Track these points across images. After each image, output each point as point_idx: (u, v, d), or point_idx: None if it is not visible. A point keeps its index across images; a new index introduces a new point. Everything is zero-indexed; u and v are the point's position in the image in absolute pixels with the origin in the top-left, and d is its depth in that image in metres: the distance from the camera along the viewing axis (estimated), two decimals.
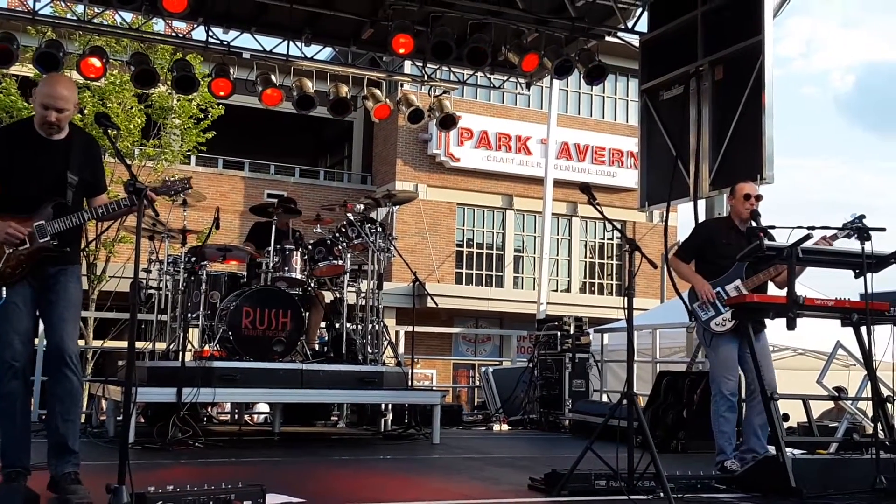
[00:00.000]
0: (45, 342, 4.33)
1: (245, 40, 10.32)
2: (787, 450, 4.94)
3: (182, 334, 7.41)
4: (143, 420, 8.16)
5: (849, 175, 74.98)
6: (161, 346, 7.99)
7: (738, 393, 5.89)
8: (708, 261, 5.91)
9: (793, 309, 4.93)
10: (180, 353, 7.11)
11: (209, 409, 9.26)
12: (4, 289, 4.11)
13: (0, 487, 3.85)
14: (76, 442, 4.20)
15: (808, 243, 5.05)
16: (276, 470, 5.76)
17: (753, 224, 5.77)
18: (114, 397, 7.27)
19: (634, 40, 10.10)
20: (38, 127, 4.24)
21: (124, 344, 15.80)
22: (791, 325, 4.95)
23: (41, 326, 4.33)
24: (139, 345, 7.51)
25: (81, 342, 15.32)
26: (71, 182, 4.23)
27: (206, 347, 7.45)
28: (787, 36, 77.02)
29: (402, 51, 9.73)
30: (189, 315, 7.63)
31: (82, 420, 10.04)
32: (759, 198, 5.91)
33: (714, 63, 8.83)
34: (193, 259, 7.68)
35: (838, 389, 5.92)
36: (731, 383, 5.71)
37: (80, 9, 9.94)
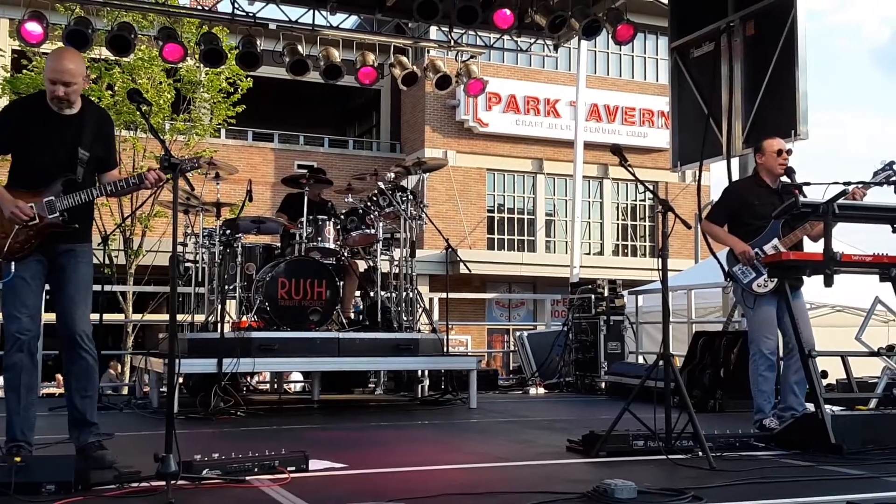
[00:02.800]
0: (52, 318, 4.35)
1: (270, 11, 10.32)
2: (826, 406, 4.92)
3: (220, 306, 7.51)
4: (185, 391, 8.30)
5: (886, 127, 73.45)
6: (200, 318, 8.10)
7: (777, 352, 5.86)
8: (742, 223, 5.82)
9: (830, 265, 4.88)
10: (219, 325, 7.20)
11: (249, 379, 9.40)
12: (13, 264, 4.14)
13: (53, 458, 3.94)
14: (94, 415, 4.30)
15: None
16: (317, 437, 5.84)
17: (787, 180, 5.70)
18: (156, 369, 7.41)
19: None
20: (49, 102, 4.24)
21: (163, 317, 16.06)
22: (828, 282, 4.91)
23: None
24: (178, 317, 7.62)
25: (120, 316, 15.59)
26: (82, 158, 4.24)
27: (244, 318, 7.56)
28: None
29: (427, 16, 9.68)
30: (226, 287, 7.72)
31: (125, 392, 10.28)
32: (789, 152, 5.83)
33: (745, 18, 8.68)
34: (228, 231, 7.77)
35: (890, 348, 5.85)
36: (771, 342, 5.68)
37: None
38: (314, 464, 4.28)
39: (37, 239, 4.16)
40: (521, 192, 24.69)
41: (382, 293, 8.08)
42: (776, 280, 5.49)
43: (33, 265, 4.20)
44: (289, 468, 4.08)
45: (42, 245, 4.20)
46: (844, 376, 5.64)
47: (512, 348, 15.08)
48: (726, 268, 5.84)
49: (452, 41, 11.20)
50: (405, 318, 8.10)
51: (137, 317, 15.75)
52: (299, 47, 10.61)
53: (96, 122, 4.35)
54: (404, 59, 11.51)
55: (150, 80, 16.10)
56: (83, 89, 4.33)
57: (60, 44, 9.92)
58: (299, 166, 20.26)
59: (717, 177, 22.46)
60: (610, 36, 10.18)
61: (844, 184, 4.99)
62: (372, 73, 10.98)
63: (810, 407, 5.31)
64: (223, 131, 20.80)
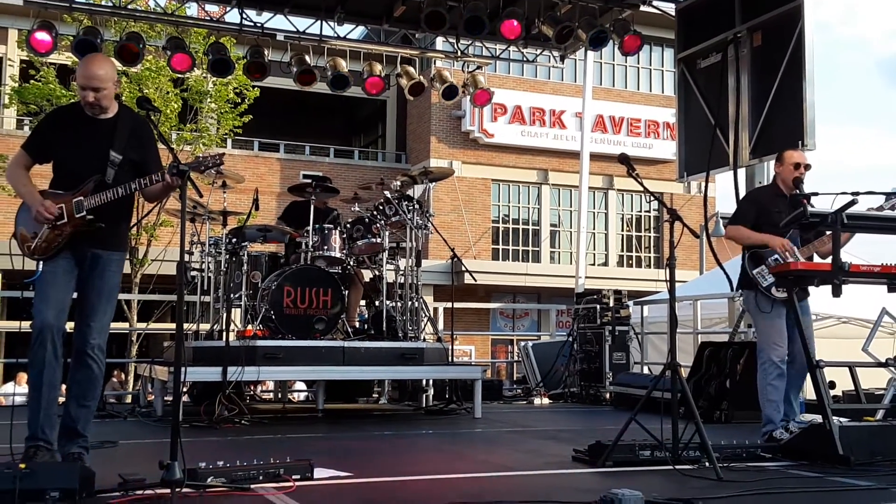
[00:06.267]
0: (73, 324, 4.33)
1: (278, 21, 10.35)
2: (834, 418, 4.90)
3: (225, 314, 7.51)
4: (188, 399, 8.31)
5: (893, 139, 73.33)
6: (205, 326, 8.11)
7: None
8: (760, 231, 5.80)
9: (838, 276, 4.86)
10: (224, 333, 7.20)
11: (252, 389, 9.40)
12: (41, 263, 4.19)
13: (57, 465, 3.93)
14: (87, 426, 4.28)
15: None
16: (322, 446, 5.83)
17: (796, 191, 5.68)
18: (160, 377, 7.40)
19: (670, 8, 9.95)
20: (83, 107, 4.32)
21: (168, 325, 16.05)
22: (837, 293, 4.89)
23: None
24: (184, 325, 7.62)
25: (125, 325, 15.59)
26: (113, 160, 4.27)
27: (249, 327, 7.56)
28: (827, 0, 75.23)
29: (435, 27, 9.70)
30: (231, 295, 7.73)
31: (129, 401, 10.28)
32: (807, 167, 5.81)
33: (752, 29, 8.68)
34: (234, 240, 7.77)
35: None
36: (781, 350, 5.63)
37: None
38: (319, 472, 4.28)
39: (63, 238, 4.21)
40: (527, 203, 24.69)
41: (388, 302, 8.08)
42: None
43: (62, 262, 4.23)
44: (294, 476, 4.07)
45: (70, 245, 4.23)
46: (852, 387, 5.61)
47: (516, 358, 15.03)
48: (749, 270, 5.73)
49: (459, 52, 11.22)
50: (410, 328, 8.10)
51: (142, 325, 15.75)
52: (307, 57, 10.63)
53: (131, 126, 4.38)
54: (411, 69, 11.52)
55: (157, 90, 16.14)
56: (115, 93, 4.35)
57: (69, 54, 9.97)
58: (305, 176, 20.30)
59: (722, 188, 22.42)
60: (617, 47, 10.17)
61: (853, 194, 4.97)
62: (379, 83, 10.98)
63: (808, 417, 5.29)
64: (229, 141, 20.85)
